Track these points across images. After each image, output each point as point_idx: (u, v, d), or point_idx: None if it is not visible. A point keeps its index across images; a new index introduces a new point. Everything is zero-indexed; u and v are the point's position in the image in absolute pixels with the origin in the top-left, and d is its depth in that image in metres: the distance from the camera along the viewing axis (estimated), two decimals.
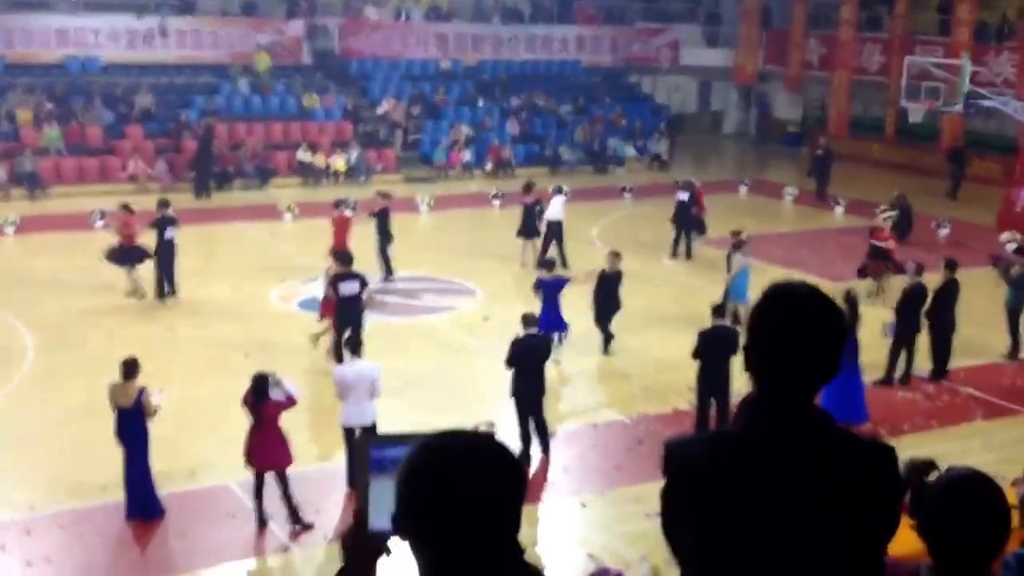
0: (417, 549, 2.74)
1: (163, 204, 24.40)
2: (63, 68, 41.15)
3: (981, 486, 3.67)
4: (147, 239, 23.83)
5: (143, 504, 14.26)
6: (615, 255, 21.51)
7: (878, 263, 25.05)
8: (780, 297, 3.35)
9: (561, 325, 20.75)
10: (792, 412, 3.25)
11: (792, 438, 3.23)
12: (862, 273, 25.02)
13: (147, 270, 23.85)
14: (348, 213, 25.99)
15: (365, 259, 23.43)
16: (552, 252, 26.63)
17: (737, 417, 3.35)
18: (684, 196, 29.35)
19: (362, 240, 25.04)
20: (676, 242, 29.13)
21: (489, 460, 2.73)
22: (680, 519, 3.31)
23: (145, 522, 14.19)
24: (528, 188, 28.46)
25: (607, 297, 21.13)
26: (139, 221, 24.05)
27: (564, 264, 26.59)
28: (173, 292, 24.08)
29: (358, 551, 2.94)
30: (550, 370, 17.42)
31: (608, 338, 21.10)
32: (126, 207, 24.41)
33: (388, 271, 25.97)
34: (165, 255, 23.90)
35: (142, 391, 13.99)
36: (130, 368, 14.03)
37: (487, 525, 2.70)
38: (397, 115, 43.06)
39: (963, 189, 38.98)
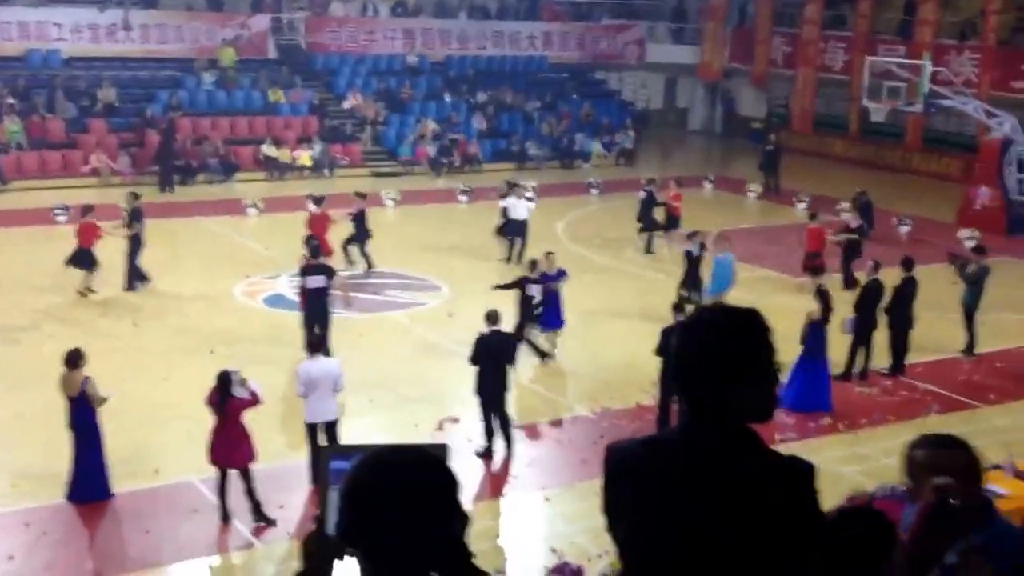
0: (358, 556, 2.93)
1: (134, 196, 24.78)
2: (24, 61, 40.67)
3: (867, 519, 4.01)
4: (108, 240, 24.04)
5: (92, 487, 14.45)
6: (549, 255, 21.43)
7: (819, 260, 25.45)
8: (703, 321, 3.53)
9: (558, 322, 20.82)
10: (715, 425, 3.44)
11: (715, 449, 3.43)
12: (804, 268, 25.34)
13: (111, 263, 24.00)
14: (330, 213, 26.06)
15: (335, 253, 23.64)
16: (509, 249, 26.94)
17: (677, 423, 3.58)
18: (641, 194, 29.68)
19: (339, 236, 25.19)
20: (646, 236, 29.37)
21: (422, 476, 2.92)
22: (614, 515, 3.57)
23: (93, 505, 14.39)
24: (510, 186, 28.74)
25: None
26: (99, 223, 24.19)
27: (520, 262, 26.79)
28: (147, 279, 24.42)
29: (317, 555, 3.12)
30: (523, 365, 17.58)
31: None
32: (88, 209, 24.48)
33: (370, 265, 26.25)
34: (135, 247, 24.17)
35: (86, 380, 14.26)
36: (73, 358, 14.38)
37: (419, 535, 2.87)
38: (367, 110, 43.06)
39: (923, 186, 39.33)
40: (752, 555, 3.35)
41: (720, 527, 3.35)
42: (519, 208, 27.90)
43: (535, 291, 20.47)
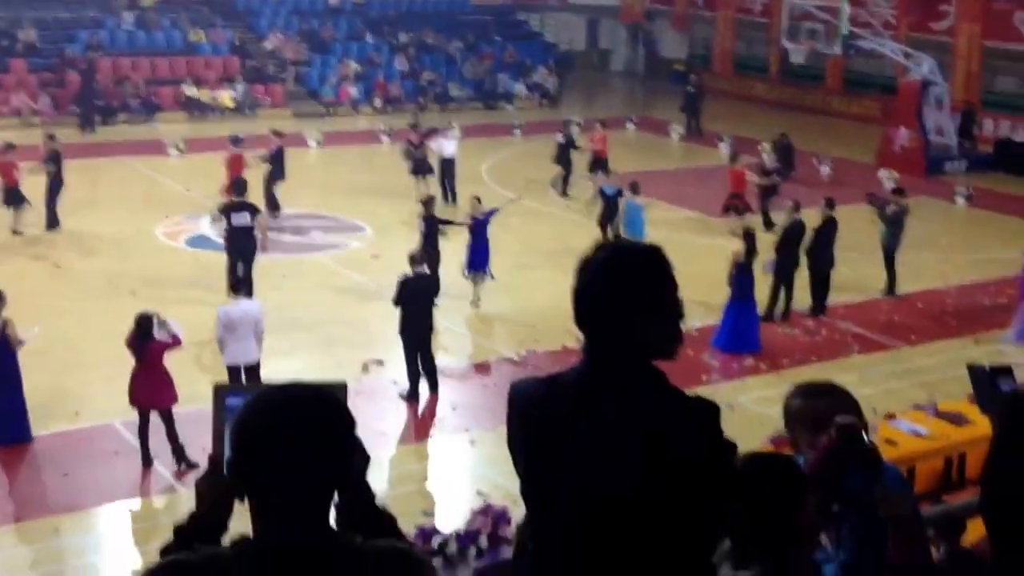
0: (248, 494, 2.86)
1: (51, 137, 24.65)
2: None
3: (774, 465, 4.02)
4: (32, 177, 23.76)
5: (11, 430, 14.33)
6: (477, 200, 21.10)
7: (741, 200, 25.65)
8: (596, 259, 3.48)
9: (485, 265, 20.47)
10: (618, 364, 3.41)
11: (615, 386, 3.39)
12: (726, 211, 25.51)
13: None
14: (246, 154, 25.72)
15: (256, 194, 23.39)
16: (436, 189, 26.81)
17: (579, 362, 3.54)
18: (560, 138, 29.72)
19: (255, 177, 24.89)
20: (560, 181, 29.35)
21: (314, 413, 2.85)
22: (513, 446, 3.57)
23: (14, 447, 14.28)
24: (415, 126, 28.54)
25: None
26: (21, 159, 23.90)
27: (454, 201, 26.71)
28: (58, 223, 24.14)
29: (211, 494, 3.07)
30: (446, 309, 17.55)
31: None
32: (9, 146, 24.13)
33: (274, 207, 25.83)
34: (54, 187, 24.00)
35: (5, 322, 14.12)
36: None
37: (312, 474, 2.81)
38: (289, 51, 42.58)
39: (843, 128, 39.72)
40: (654, 494, 3.32)
41: (621, 465, 3.32)
42: (448, 144, 27.78)
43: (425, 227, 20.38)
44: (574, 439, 3.36)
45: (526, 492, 3.56)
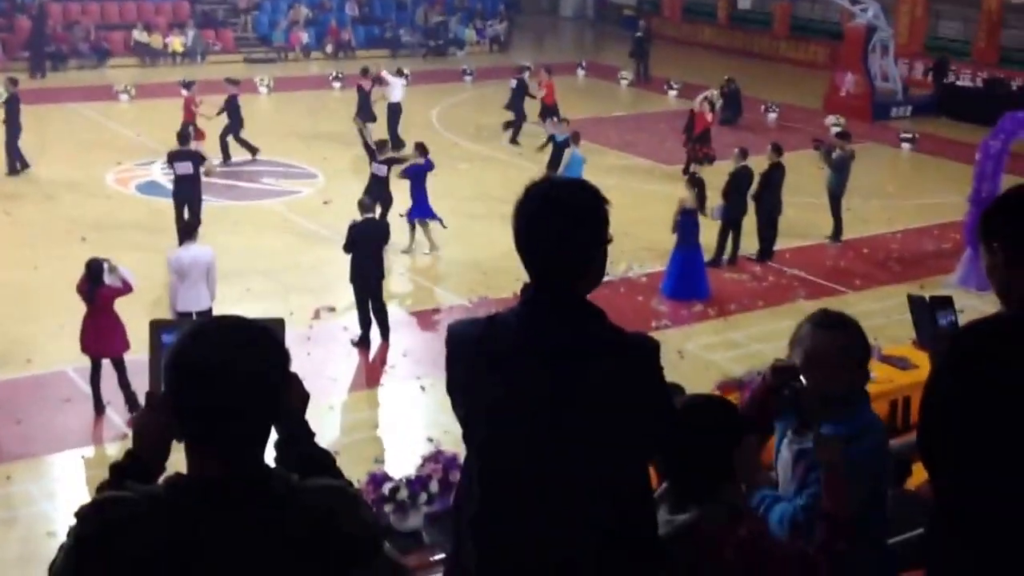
0: (186, 434, 2.89)
1: (13, 82, 24.48)
2: None
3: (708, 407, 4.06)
4: None
5: None
6: (420, 146, 20.97)
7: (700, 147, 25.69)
8: (532, 195, 3.55)
9: (430, 212, 20.37)
10: (556, 302, 3.47)
11: (552, 323, 3.46)
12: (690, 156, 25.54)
13: None
14: (197, 98, 25.72)
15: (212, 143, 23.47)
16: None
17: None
18: (513, 84, 29.61)
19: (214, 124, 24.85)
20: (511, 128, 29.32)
21: (239, 341, 2.85)
22: (455, 394, 3.64)
23: None
24: (365, 72, 28.45)
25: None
26: None
27: (396, 147, 26.66)
28: (27, 166, 24.24)
29: (147, 432, 3.05)
30: (391, 256, 17.62)
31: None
32: None
33: (252, 151, 26.06)
34: (14, 130, 24.00)
35: None
36: None
37: (246, 411, 2.83)
38: None
39: (790, 73, 39.92)
40: (593, 431, 3.38)
41: (558, 402, 3.37)
42: (396, 89, 27.72)
43: (381, 171, 20.43)
44: (516, 376, 3.41)
45: (468, 433, 3.60)
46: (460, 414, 3.62)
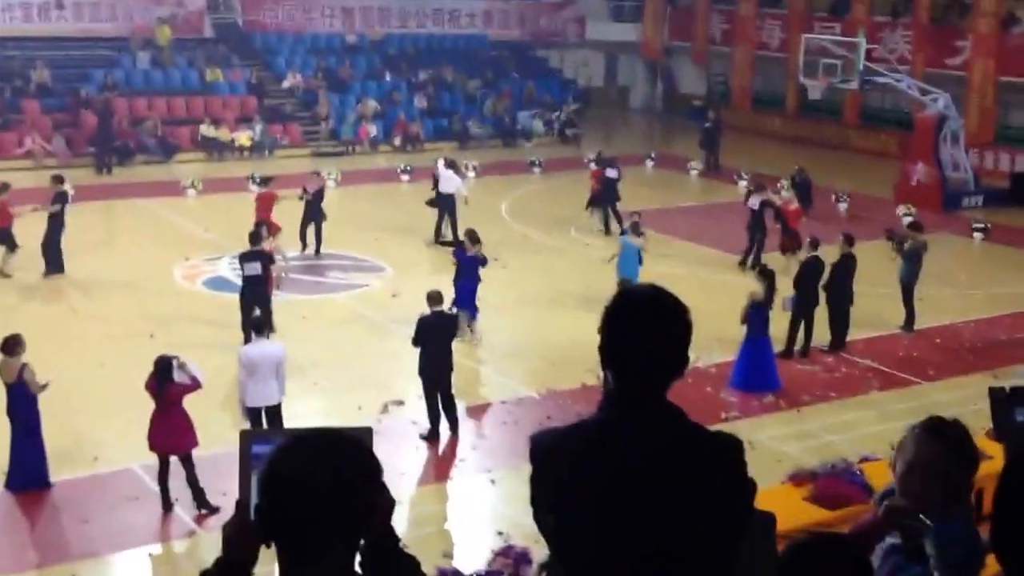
0: (278, 542, 2.95)
1: (58, 180, 24.36)
2: None
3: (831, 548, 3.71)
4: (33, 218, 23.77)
5: (30, 475, 14.31)
6: (471, 234, 20.86)
7: (791, 238, 25.51)
8: (628, 300, 3.58)
9: (471, 304, 20.31)
10: (644, 406, 3.47)
11: (642, 430, 3.44)
12: (783, 249, 25.37)
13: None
14: (278, 193, 25.95)
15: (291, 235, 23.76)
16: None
17: (599, 407, 3.58)
18: (613, 173, 29.48)
19: (283, 217, 25.01)
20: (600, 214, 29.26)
21: (334, 455, 2.92)
22: (542, 503, 3.56)
23: (33, 494, 14.26)
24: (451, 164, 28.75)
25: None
26: (13, 202, 23.92)
27: (440, 238, 26.82)
28: (61, 270, 23.91)
29: (238, 542, 3.09)
30: (459, 347, 17.54)
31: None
32: (3, 187, 24.12)
33: (317, 248, 26.15)
34: (56, 231, 23.79)
35: (23, 367, 14.12)
36: (10, 344, 14.24)
37: (340, 520, 2.90)
38: (309, 88, 42.75)
39: (860, 163, 39.74)
40: (693, 534, 3.38)
41: (659, 516, 3.37)
42: (448, 180, 27.81)
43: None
44: (610, 497, 3.40)
45: (560, 549, 3.57)
46: (549, 530, 3.56)
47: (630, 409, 3.48)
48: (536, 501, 3.59)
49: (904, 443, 4.31)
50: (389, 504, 3.19)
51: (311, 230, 26.18)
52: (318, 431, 3.03)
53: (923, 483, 4.17)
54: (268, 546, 2.98)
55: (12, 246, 23.66)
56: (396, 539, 3.24)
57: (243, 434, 3.30)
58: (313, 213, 26.16)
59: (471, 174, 28.91)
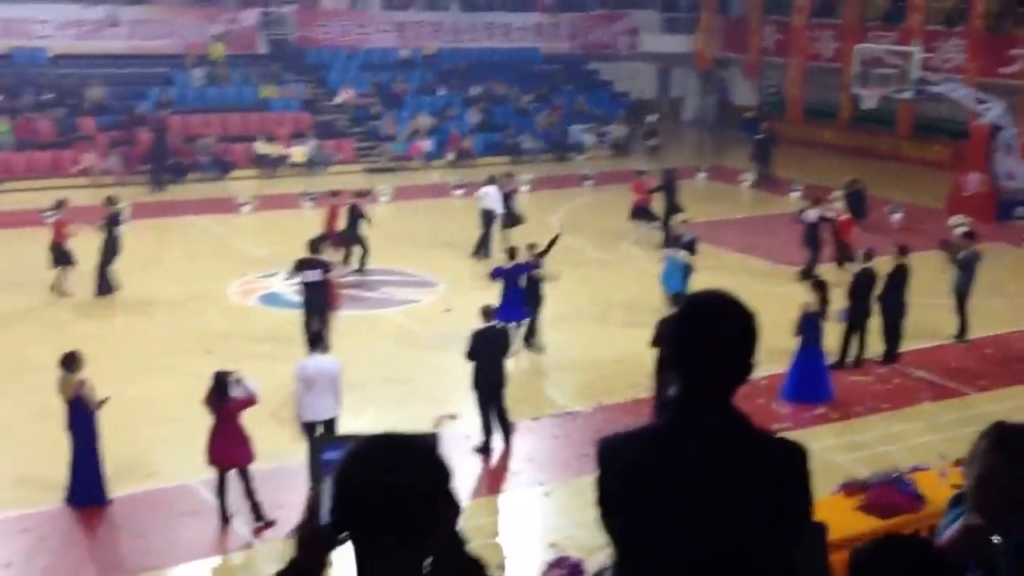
0: (351, 545, 3.02)
1: (110, 201, 24.55)
2: (10, 59, 40.23)
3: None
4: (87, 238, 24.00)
5: (88, 492, 14.48)
6: (511, 251, 21.12)
7: (843, 249, 25.51)
8: (697, 307, 3.65)
9: (518, 314, 20.32)
10: (709, 411, 3.54)
11: (707, 435, 3.52)
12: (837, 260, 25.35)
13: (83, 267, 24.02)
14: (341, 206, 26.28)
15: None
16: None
17: (665, 413, 3.66)
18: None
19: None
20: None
21: (405, 462, 3.00)
22: (609, 507, 3.64)
23: (91, 510, 14.44)
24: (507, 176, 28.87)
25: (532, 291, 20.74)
26: (70, 220, 24.17)
27: (487, 253, 26.95)
28: (111, 290, 24.06)
29: (310, 543, 3.13)
30: (512, 361, 17.63)
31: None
32: (60, 204, 24.45)
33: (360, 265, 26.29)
34: (108, 252, 23.98)
35: (82, 383, 14.31)
36: (68, 361, 14.44)
37: (411, 523, 2.96)
38: (362, 104, 42.98)
39: (914, 173, 39.49)
40: (744, 540, 3.44)
41: (712, 512, 3.44)
42: (492, 196, 27.91)
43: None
44: (683, 490, 3.48)
45: (622, 551, 3.63)
46: (615, 524, 3.64)
47: (693, 414, 3.55)
48: (601, 503, 3.66)
49: (974, 455, 4.19)
50: (456, 508, 3.24)
51: (354, 248, 26.33)
52: (387, 436, 3.08)
53: (991, 497, 4.08)
54: (335, 548, 3.05)
55: (68, 262, 23.83)
56: (463, 543, 3.29)
57: (315, 439, 3.41)
58: (351, 231, 26.27)
59: (524, 188, 28.88)
